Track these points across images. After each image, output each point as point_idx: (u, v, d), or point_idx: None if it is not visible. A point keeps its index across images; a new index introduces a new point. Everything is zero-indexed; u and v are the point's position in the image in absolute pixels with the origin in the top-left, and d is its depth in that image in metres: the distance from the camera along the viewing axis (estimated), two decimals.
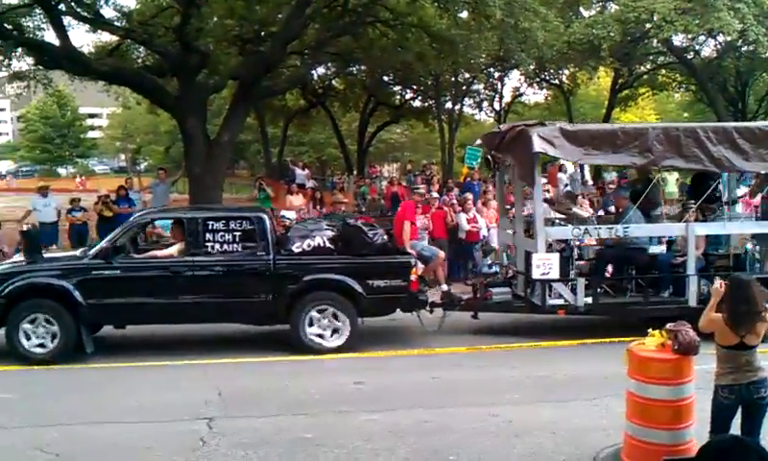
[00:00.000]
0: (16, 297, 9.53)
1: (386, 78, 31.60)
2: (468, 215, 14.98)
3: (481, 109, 39.90)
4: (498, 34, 19.60)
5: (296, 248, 9.99)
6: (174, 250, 10.12)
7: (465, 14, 20.29)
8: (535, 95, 41.02)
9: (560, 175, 19.11)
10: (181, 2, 17.19)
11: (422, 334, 10.58)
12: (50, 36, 19.10)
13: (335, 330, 9.87)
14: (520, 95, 39.54)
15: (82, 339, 9.58)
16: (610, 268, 11.53)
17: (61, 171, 75.27)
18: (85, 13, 18.19)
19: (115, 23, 19.26)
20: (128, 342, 10.57)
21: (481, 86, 36.82)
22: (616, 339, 9.40)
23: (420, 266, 11.16)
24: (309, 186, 22.65)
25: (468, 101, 37.69)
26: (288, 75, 23.28)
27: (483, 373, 9.04)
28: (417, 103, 36.88)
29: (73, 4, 17.94)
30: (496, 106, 38.67)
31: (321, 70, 30.56)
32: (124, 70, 19.24)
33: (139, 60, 21.70)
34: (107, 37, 21.75)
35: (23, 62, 20.43)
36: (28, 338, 9.47)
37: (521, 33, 18.71)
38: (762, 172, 11.00)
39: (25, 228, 15.65)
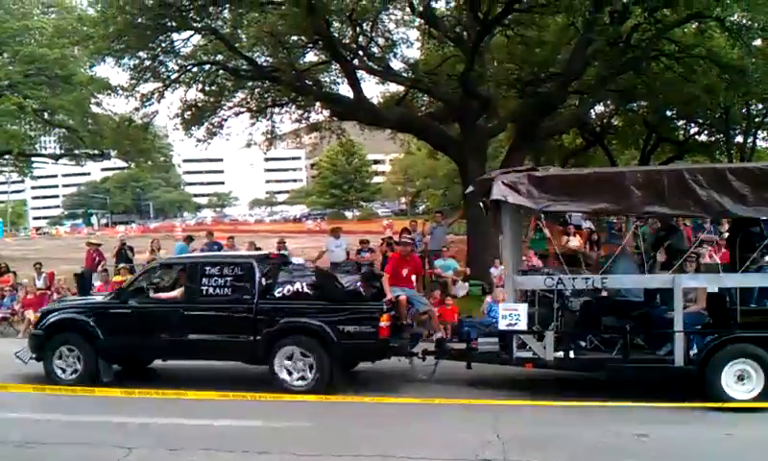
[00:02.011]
0: (51, 330, 10.95)
1: (669, 112, 30.14)
2: None
3: None
4: None
5: (278, 293, 10.48)
6: (177, 292, 11.02)
7: (758, 42, 18.87)
8: None
9: None
10: (465, 50, 17.87)
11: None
12: (343, 90, 20.86)
13: (305, 372, 10.09)
14: None
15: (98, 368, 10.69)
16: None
17: (347, 214, 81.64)
18: (376, 67, 19.61)
19: (402, 74, 20.52)
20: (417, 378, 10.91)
21: None
22: None
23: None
24: (586, 227, 22.13)
25: (761, 134, 34.66)
26: (567, 115, 23.10)
27: None
28: (703, 137, 34.66)
29: (365, 58, 19.41)
30: None
31: (599, 108, 29.98)
32: (412, 119, 20.37)
33: (423, 108, 22.86)
34: (393, 88, 23.22)
35: (320, 115, 22.48)
36: (60, 365, 10.78)
37: None
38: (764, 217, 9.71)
39: (79, 270, 18.32)
